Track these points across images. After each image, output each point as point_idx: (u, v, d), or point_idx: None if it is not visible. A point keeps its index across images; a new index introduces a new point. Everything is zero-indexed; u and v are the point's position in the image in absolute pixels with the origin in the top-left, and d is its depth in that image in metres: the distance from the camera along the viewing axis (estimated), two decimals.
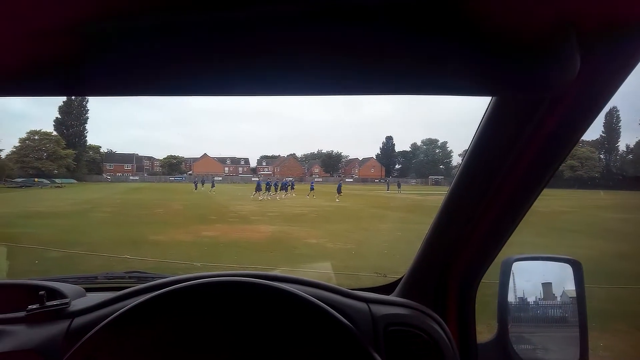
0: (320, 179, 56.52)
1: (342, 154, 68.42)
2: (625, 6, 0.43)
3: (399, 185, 36.23)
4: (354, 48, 0.39)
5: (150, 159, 64.27)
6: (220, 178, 55.34)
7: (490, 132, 0.74)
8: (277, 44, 0.38)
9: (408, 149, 65.79)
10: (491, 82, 0.43)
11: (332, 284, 0.93)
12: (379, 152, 66.98)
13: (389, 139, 67.16)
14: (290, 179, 33.66)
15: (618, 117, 50.96)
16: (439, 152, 60.39)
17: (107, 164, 50.30)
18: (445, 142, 59.83)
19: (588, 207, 18.65)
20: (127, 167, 53.72)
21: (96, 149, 46.61)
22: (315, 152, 72.69)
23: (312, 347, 0.76)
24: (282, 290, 0.78)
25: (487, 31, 0.38)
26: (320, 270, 4.82)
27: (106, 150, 51.56)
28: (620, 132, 51.06)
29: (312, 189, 24.06)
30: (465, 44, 0.39)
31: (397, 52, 0.40)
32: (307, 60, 0.40)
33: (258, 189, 22.45)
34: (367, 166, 64.86)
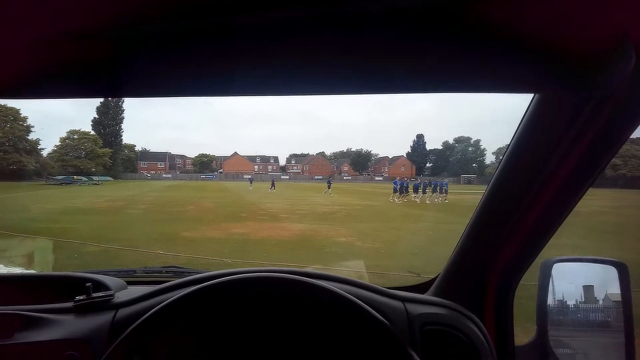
0: (349, 177, 56.27)
1: (371, 152, 68.39)
2: None
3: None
4: (391, 49, 0.39)
5: (182, 157, 66.10)
6: (250, 176, 56.24)
7: (532, 130, 0.72)
8: (301, 47, 0.39)
9: (440, 147, 65.20)
10: (537, 78, 0.42)
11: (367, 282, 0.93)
12: (410, 151, 66.69)
13: (420, 137, 66.69)
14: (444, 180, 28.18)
15: None
16: (471, 151, 59.05)
17: (142, 162, 52.18)
18: (479, 140, 58.36)
19: (630, 207, 17.66)
20: (160, 165, 55.37)
21: (131, 147, 48.51)
22: (345, 151, 73.06)
23: (350, 344, 0.77)
24: (320, 287, 0.79)
25: (534, 29, 0.38)
26: (353, 269, 4.80)
27: (140, 149, 53.60)
28: None
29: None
30: (513, 40, 0.38)
31: (439, 52, 0.39)
32: (338, 61, 0.41)
33: (396, 190, 20.14)
34: (397, 164, 64.27)
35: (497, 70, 0.41)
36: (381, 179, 57.36)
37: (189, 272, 1.18)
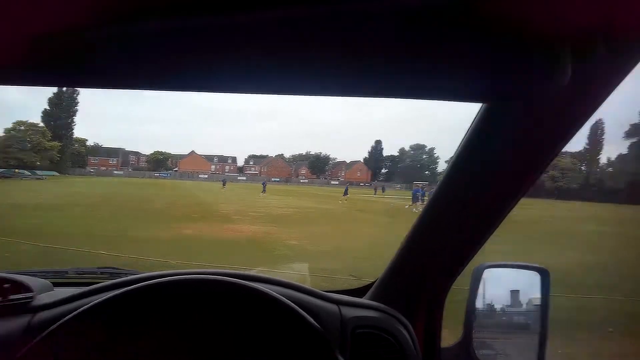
0: (306, 180, 56.47)
1: (330, 156, 68.87)
2: (616, 20, 0.44)
3: (383, 190, 36.53)
4: (347, 50, 0.40)
5: (136, 154, 63.44)
6: (206, 176, 54.87)
7: (476, 139, 0.74)
8: (268, 45, 0.40)
9: (396, 153, 66.71)
10: (481, 88, 0.44)
11: (306, 285, 0.93)
12: (367, 156, 67.73)
13: (378, 142, 67.91)
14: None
15: (603, 129, 52.43)
16: (425, 158, 61.08)
17: (92, 158, 49.44)
18: (433, 148, 60.52)
19: (563, 218, 19.08)
20: (113, 161, 53.01)
21: (82, 141, 45.71)
22: (304, 154, 72.83)
23: (280, 344, 0.76)
24: (252, 289, 0.78)
25: (480, 38, 0.39)
26: (298, 272, 4.82)
27: (92, 144, 50.70)
28: (603, 145, 52.53)
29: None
30: (458, 50, 0.40)
31: (391, 56, 0.40)
32: (294, 61, 0.41)
33: (415, 199, 19.01)
34: (354, 169, 65.18)
35: (444, 79, 0.43)
36: (337, 183, 57.68)
37: (126, 273, 1.12)
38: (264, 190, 25.17)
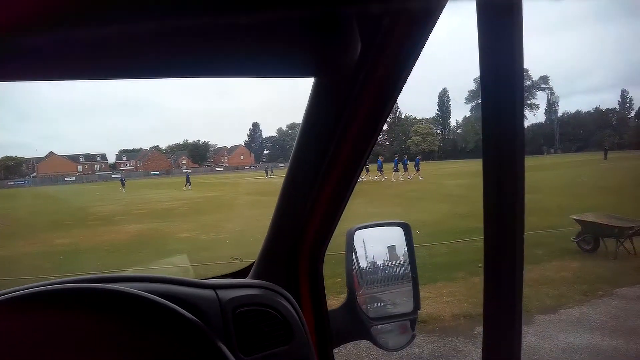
0: (189, 170, 53.59)
1: (209, 142, 67.15)
2: None
3: (271, 170, 36.52)
4: (181, 33, 0.41)
5: None
6: (74, 178, 48.23)
7: (313, 111, 0.81)
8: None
9: (274, 134, 67.47)
10: (299, 65, 0.49)
11: (183, 276, 0.91)
12: (247, 139, 67.44)
13: (256, 125, 67.85)
14: None
15: (447, 96, 60.77)
16: None
17: None
18: None
19: (430, 176, 21.88)
20: None
21: None
22: (181, 143, 69.45)
23: (155, 344, 0.73)
24: (115, 291, 0.73)
25: (288, 22, 0.43)
26: (178, 265, 4.62)
27: None
28: (450, 110, 61.10)
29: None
30: (278, 33, 0.43)
31: (223, 36, 0.42)
32: (126, 44, 0.41)
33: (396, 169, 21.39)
34: (237, 154, 64.56)
35: (269, 58, 0.46)
36: (222, 169, 56.65)
37: None
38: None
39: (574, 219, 6.02)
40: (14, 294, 0.71)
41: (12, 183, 44.50)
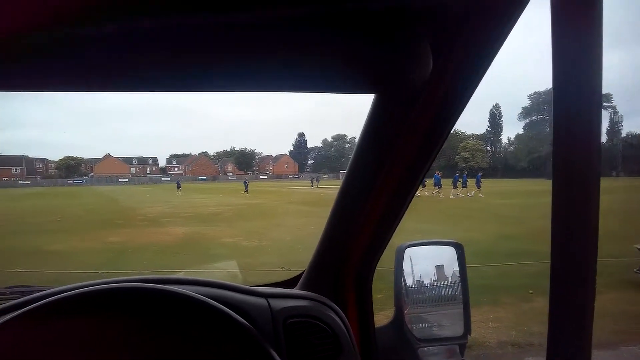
0: (234, 177, 55.20)
1: (255, 150, 68.63)
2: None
3: (317, 180, 36.34)
4: (245, 48, 0.43)
5: (43, 160, 57.71)
6: (127, 179, 51.25)
7: (372, 127, 0.79)
8: (180, 47, 0.42)
9: (320, 144, 68.56)
10: (362, 81, 0.49)
11: (235, 282, 0.92)
12: (292, 149, 68.61)
13: (301, 135, 69.22)
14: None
15: (500, 113, 58.64)
16: (348, 147, 63.05)
17: None
18: (354, 137, 62.75)
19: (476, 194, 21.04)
20: (15, 170, 47.66)
21: None
22: (229, 150, 71.83)
23: (208, 346, 0.73)
24: (172, 293, 0.74)
25: (357, 38, 0.44)
26: (226, 270, 4.71)
27: None
28: (502, 127, 58.85)
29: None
30: (340, 49, 0.44)
31: (288, 56, 0.44)
32: (205, 61, 0.44)
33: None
34: (281, 162, 65.50)
35: (332, 74, 0.48)
36: (266, 177, 57.63)
37: (38, 290, 1.00)
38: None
39: (638, 248, 5.58)
40: (76, 291, 0.73)
41: (71, 181, 47.60)
